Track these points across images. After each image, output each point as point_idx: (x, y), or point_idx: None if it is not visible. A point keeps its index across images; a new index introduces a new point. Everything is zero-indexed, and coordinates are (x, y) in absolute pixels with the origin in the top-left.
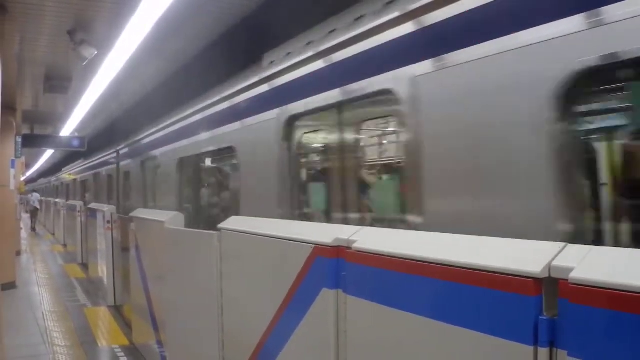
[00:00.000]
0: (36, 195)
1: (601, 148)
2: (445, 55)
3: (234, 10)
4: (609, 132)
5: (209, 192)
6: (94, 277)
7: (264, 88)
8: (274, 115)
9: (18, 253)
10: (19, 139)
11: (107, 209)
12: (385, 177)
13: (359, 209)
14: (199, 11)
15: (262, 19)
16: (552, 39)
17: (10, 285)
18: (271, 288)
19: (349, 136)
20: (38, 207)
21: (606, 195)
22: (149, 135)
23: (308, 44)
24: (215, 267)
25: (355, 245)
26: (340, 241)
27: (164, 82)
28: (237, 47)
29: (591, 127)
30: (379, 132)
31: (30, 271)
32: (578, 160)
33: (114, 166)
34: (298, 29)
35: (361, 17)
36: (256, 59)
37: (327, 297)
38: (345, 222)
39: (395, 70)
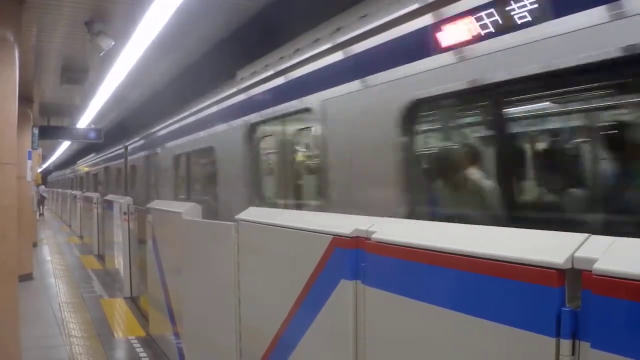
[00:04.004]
0: (42, 187)
1: None
2: None
3: None
4: None
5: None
6: (110, 269)
7: None
8: None
9: (34, 244)
10: (36, 131)
11: (123, 200)
12: None
13: None
14: None
15: None
16: None
17: (27, 277)
18: (289, 279)
19: None
20: (46, 196)
21: None
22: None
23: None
24: (233, 259)
25: (375, 236)
26: (359, 232)
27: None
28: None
29: None
30: None
31: (46, 262)
32: None
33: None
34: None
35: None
36: None
37: (345, 288)
38: None
39: None
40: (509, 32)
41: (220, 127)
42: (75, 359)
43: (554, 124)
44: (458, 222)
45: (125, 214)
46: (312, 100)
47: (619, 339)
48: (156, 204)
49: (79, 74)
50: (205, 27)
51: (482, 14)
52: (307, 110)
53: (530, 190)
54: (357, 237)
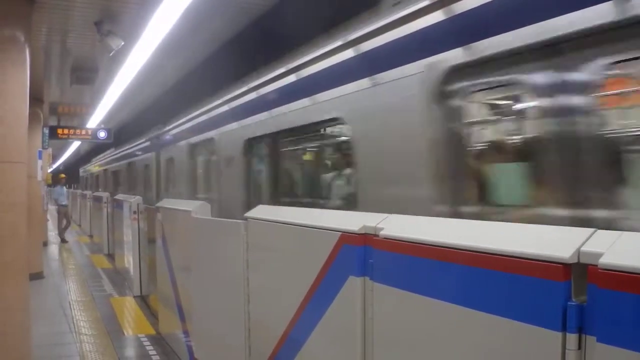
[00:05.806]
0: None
1: None
2: None
3: None
4: None
5: None
6: (120, 268)
7: None
8: None
9: (45, 244)
10: (46, 130)
11: (133, 199)
12: None
13: None
14: None
15: None
16: None
17: (38, 275)
18: (297, 276)
19: None
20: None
21: None
22: None
23: None
24: (242, 256)
25: (383, 233)
26: (367, 228)
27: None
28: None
29: None
30: None
31: (56, 261)
32: None
33: None
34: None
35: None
36: None
37: (353, 285)
38: None
39: None
40: None
41: None
42: (85, 356)
43: None
44: None
45: (134, 213)
46: None
47: (625, 333)
48: (165, 203)
49: (88, 74)
50: (214, 26)
51: None
52: None
53: None
54: (365, 233)
